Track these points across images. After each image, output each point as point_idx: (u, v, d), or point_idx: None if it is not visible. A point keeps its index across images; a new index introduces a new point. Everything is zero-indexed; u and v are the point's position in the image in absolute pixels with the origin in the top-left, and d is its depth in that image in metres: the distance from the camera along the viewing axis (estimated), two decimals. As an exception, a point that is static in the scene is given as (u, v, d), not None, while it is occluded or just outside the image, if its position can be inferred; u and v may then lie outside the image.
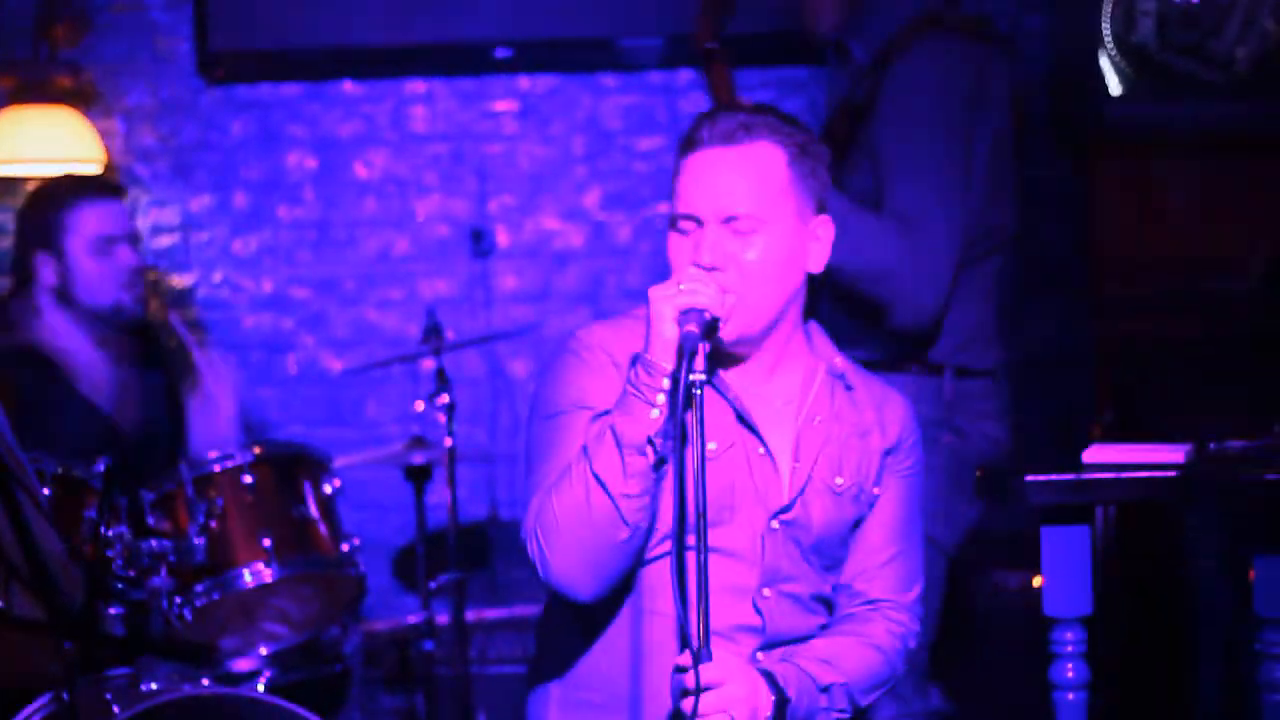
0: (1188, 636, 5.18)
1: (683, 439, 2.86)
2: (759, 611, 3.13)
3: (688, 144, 3.11)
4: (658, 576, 3.09)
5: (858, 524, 3.23)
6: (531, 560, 3.04)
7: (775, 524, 3.13)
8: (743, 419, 3.12)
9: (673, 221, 3.11)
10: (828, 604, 3.24)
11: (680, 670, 2.91)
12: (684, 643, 2.88)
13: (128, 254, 4.65)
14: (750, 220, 3.05)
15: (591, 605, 3.10)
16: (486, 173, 6.34)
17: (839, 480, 3.18)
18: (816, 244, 3.15)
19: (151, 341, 4.87)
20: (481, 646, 5.58)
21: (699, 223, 3.07)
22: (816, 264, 3.16)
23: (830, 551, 3.20)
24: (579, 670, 3.20)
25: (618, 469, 2.96)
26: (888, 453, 3.24)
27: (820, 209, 3.15)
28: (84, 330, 4.62)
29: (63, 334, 4.62)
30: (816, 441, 3.17)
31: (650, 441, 2.95)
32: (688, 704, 2.89)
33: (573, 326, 3.28)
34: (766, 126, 3.10)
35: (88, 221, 4.62)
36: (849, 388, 3.23)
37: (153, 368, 4.81)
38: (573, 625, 3.20)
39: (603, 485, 2.96)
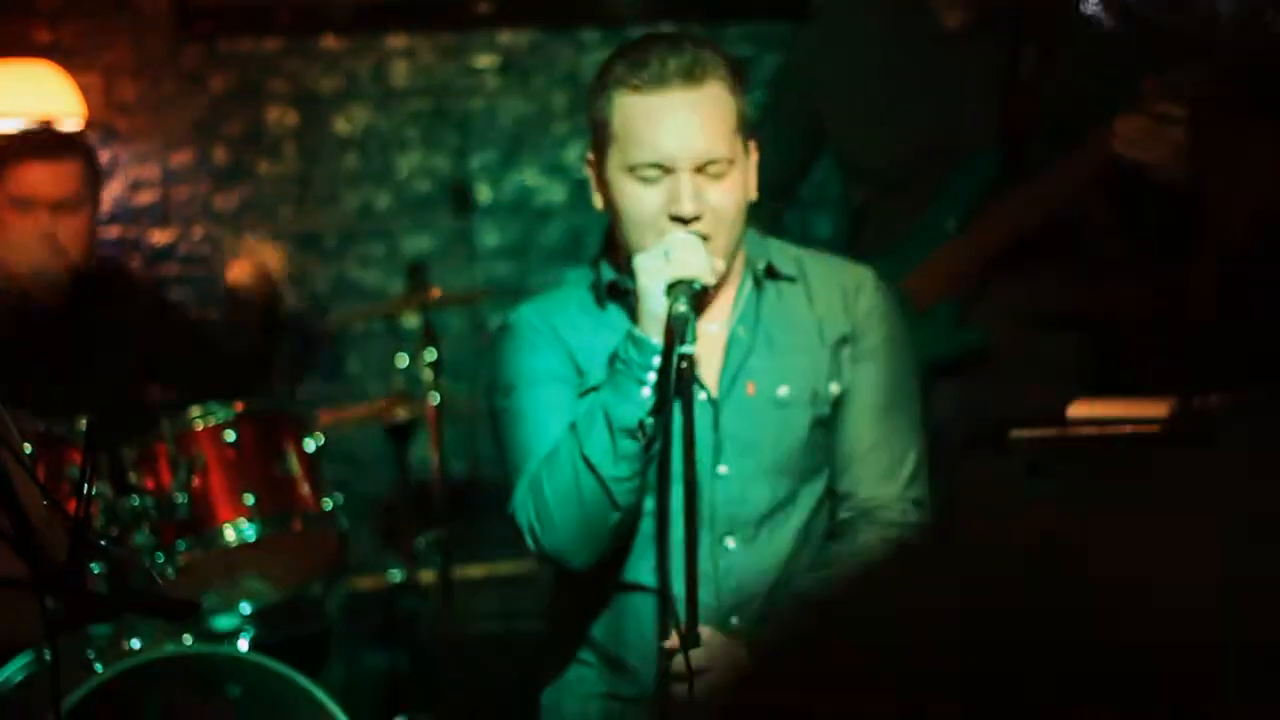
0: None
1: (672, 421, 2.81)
2: (720, 565, 3.04)
3: (632, 83, 2.98)
4: (637, 547, 3.05)
5: (823, 423, 3.11)
6: (523, 531, 3.00)
7: (722, 469, 3.04)
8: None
9: (631, 169, 3.00)
10: (805, 528, 3.10)
11: (667, 653, 2.87)
12: (672, 625, 2.84)
13: (64, 218, 4.52)
14: (722, 163, 2.97)
15: (580, 572, 3.07)
16: (468, 128, 6.32)
17: (782, 391, 3.07)
18: (753, 170, 3.07)
19: (117, 295, 4.85)
20: (464, 604, 5.58)
21: (668, 170, 2.97)
22: (753, 189, 3.08)
23: (795, 464, 3.08)
24: (571, 630, 3.17)
25: (609, 452, 2.89)
26: (842, 342, 3.11)
27: (749, 134, 3.07)
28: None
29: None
30: (742, 356, 3.07)
31: (641, 423, 2.87)
32: (677, 688, 2.85)
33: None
34: (712, 61, 2.99)
35: (18, 179, 4.53)
36: (791, 279, 3.12)
37: (114, 321, 4.78)
38: (563, 587, 3.20)
39: (593, 469, 2.90)
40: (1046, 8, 4.44)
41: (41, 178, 4.54)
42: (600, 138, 3.05)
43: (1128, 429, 3.47)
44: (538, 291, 3.26)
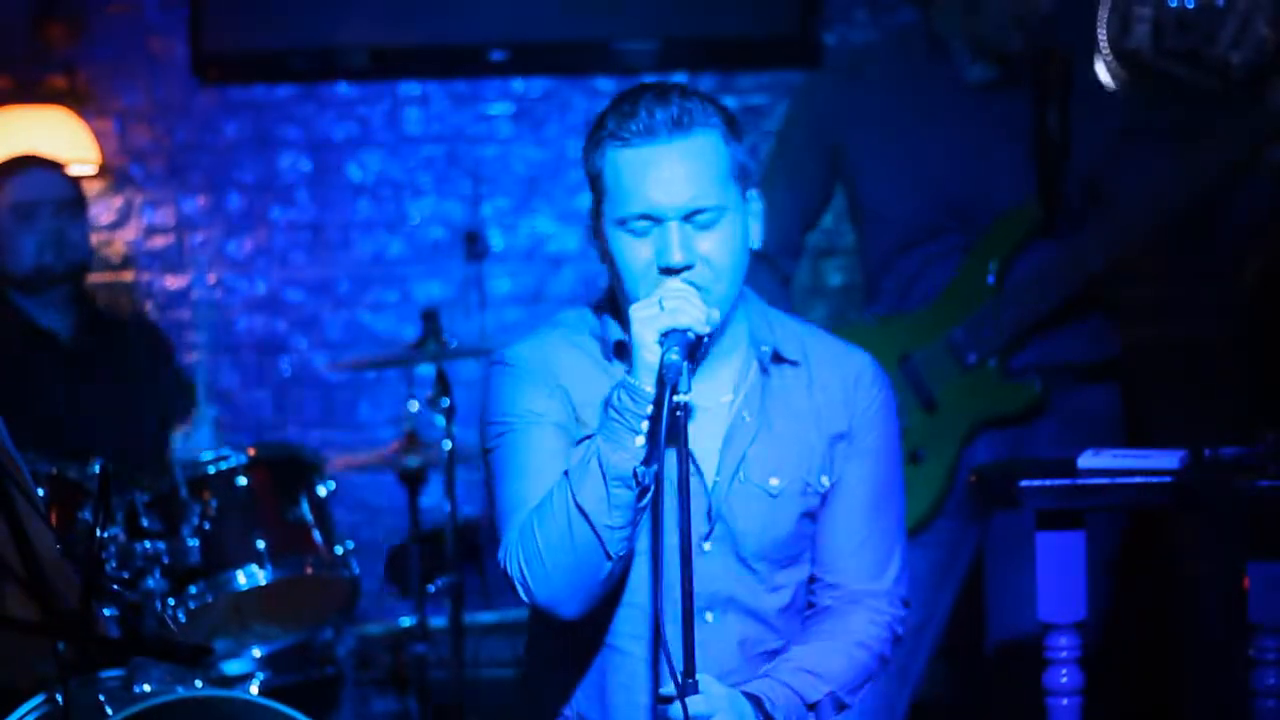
0: (1182, 643, 5.18)
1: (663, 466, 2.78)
2: (698, 638, 2.92)
3: (621, 136, 2.94)
4: (624, 614, 3.03)
5: (810, 515, 3.09)
6: (513, 580, 2.96)
7: (707, 545, 3.02)
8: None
9: (621, 222, 2.95)
10: (784, 610, 3.10)
11: (664, 701, 2.85)
12: (669, 674, 2.79)
13: (50, 218, 4.67)
14: (712, 212, 2.93)
15: (562, 634, 3.04)
16: (481, 175, 6.34)
17: (774, 482, 3.04)
18: (754, 220, 3.03)
19: (121, 335, 4.88)
20: (474, 650, 5.57)
21: (656, 221, 2.93)
22: (756, 239, 3.04)
23: (778, 553, 3.07)
24: (553, 693, 3.14)
25: (603, 501, 2.85)
26: (839, 438, 3.08)
27: (749, 184, 3.03)
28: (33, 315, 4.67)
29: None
30: (745, 443, 3.04)
31: (635, 471, 2.84)
32: None
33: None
34: (700, 110, 2.95)
35: (11, 190, 4.68)
36: (794, 364, 3.08)
37: (121, 360, 4.81)
38: (546, 649, 3.16)
39: (586, 517, 2.86)
40: (1066, 66, 4.44)
41: (44, 180, 4.74)
42: (595, 191, 3.01)
43: (1138, 479, 3.47)
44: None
